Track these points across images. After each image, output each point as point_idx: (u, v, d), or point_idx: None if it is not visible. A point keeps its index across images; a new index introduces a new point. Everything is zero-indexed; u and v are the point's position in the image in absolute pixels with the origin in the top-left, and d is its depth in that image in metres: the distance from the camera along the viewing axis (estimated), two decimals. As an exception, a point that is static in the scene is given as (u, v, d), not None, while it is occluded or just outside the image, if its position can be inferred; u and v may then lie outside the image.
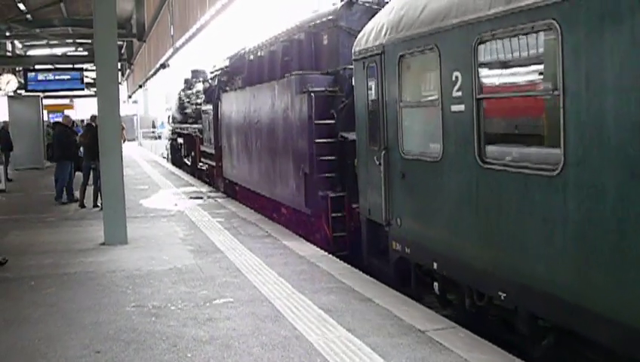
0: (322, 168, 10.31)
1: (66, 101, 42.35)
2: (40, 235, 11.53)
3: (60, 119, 30.78)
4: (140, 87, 37.25)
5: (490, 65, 5.60)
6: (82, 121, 29.50)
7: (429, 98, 6.64)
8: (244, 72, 15.41)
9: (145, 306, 6.85)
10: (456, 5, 5.97)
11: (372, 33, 7.85)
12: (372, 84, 7.89)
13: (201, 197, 16.37)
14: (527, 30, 4.98)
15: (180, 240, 10.68)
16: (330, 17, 10.90)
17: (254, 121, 13.42)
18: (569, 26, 4.55)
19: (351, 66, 10.28)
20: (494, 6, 5.33)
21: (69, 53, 29.48)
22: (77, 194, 15.61)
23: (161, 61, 22.59)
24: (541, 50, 4.99)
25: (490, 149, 5.64)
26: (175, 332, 6.00)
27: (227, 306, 6.77)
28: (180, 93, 26.65)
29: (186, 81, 25.78)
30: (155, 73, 26.88)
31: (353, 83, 10.23)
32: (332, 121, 10.32)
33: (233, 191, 16.69)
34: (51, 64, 25.98)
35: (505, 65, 5.45)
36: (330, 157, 10.31)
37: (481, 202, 5.74)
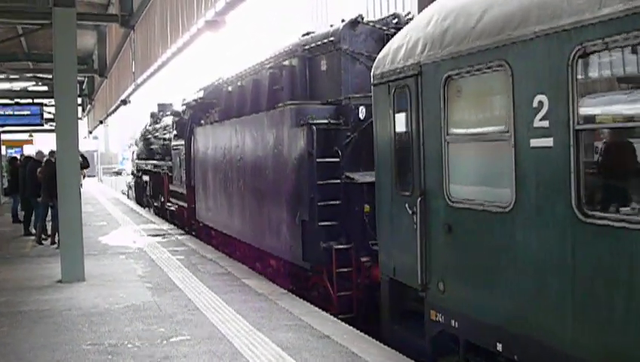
0: (324, 215, 8.70)
1: (26, 136, 40.46)
2: (-6, 272, 11.22)
3: (17, 154, 29.26)
4: (101, 122, 35.62)
5: (600, 84, 4.15)
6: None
7: (494, 130, 5.14)
8: (221, 104, 13.85)
9: (101, 344, 6.75)
10: (536, 8, 4.53)
11: (401, 51, 6.35)
12: (401, 113, 6.36)
13: (161, 235, 16.04)
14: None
15: (138, 277, 10.51)
16: (330, 39, 9.40)
17: (236, 157, 11.79)
18: None
19: (357, 95, 8.90)
20: (608, 4, 3.91)
21: (29, 88, 28.02)
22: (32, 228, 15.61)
23: (122, 97, 21.66)
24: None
25: (598, 198, 4.17)
26: (131, 372, 5.82)
27: (184, 344, 6.69)
28: (145, 128, 24.86)
29: (153, 115, 23.92)
30: (116, 109, 25.78)
31: (360, 115, 8.86)
32: (336, 159, 8.77)
33: (208, 236, 14.95)
34: (10, 98, 24.99)
35: (629, 83, 4.00)
36: (334, 202, 8.73)
37: (581, 268, 4.23)
